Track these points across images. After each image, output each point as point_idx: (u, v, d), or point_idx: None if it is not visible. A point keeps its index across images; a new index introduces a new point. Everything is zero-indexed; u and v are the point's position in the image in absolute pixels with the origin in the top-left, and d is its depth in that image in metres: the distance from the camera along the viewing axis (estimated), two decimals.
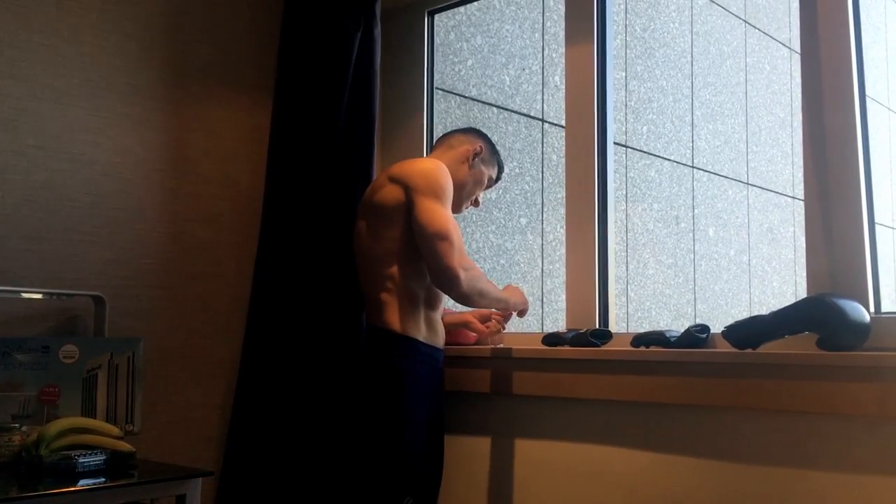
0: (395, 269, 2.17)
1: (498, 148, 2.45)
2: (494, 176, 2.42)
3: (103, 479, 1.72)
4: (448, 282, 2.08)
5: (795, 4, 2.02)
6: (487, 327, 2.36)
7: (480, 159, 2.35)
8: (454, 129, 2.47)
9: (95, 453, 1.79)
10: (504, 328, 2.40)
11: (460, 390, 2.39)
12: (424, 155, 2.72)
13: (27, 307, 2.05)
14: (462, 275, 2.06)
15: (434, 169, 2.17)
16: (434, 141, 2.60)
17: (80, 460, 1.74)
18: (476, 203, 2.42)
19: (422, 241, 2.10)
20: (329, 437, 2.34)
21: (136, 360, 2.06)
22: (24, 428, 1.85)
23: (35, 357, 1.93)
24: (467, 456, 2.39)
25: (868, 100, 1.97)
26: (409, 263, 2.16)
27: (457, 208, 2.34)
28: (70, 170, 2.13)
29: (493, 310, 2.36)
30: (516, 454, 2.30)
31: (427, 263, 2.11)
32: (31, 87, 2.07)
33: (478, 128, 2.47)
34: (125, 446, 1.86)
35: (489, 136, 2.44)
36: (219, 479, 2.31)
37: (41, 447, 1.76)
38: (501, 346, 2.38)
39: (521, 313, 2.35)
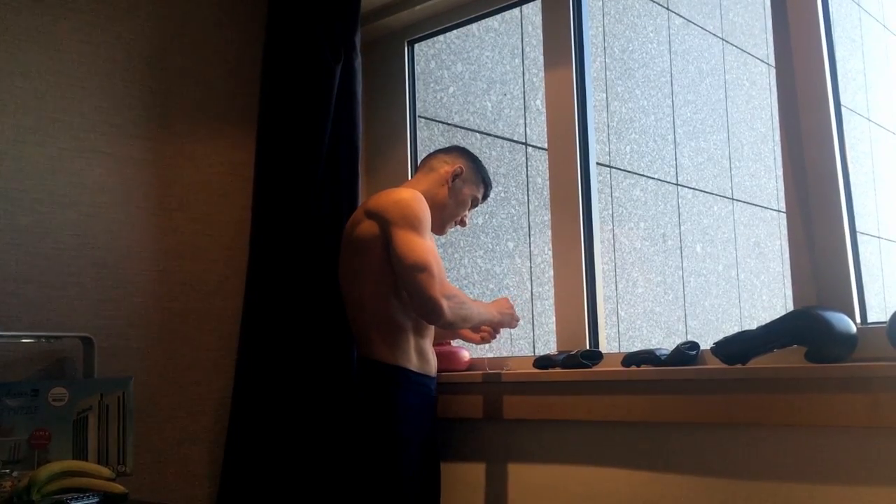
0: (380, 303, 2.17)
1: (484, 164, 2.41)
2: (480, 195, 2.38)
3: None
4: (431, 312, 2.07)
5: (770, 21, 2.05)
6: (482, 337, 2.38)
7: (462, 180, 2.32)
8: (438, 148, 2.45)
9: (88, 496, 1.77)
10: (496, 337, 2.39)
11: (453, 417, 2.38)
12: (409, 178, 2.72)
13: (15, 351, 2.04)
14: (445, 304, 2.06)
15: (408, 199, 2.16)
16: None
17: None
18: (463, 223, 2.39)
19: (401, 273, 2.10)
20: (323, 471, 2.33)
21: (126, 399, 2.04)
22: (15, 473, 1.83)
23: (24, 401, 1.92)
24: (462, 482, 2.38)
25: (848, 111, 1.99)
26: (394, 296, 2.17)
27: (440, 230, 2.34)
28: (54, 211, 2.13)
29: None
30: (511, 479, 2.29)
31: (409, 296, 2.11)
32: (14, 130, 2.08)
33: (462, 146, 2.44)
34: (118, 488, 1.84)
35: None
36: None
37: (32, 492, 1.73)
38: (508, 369, 2.35)
39: (513, 326, 2.37)
